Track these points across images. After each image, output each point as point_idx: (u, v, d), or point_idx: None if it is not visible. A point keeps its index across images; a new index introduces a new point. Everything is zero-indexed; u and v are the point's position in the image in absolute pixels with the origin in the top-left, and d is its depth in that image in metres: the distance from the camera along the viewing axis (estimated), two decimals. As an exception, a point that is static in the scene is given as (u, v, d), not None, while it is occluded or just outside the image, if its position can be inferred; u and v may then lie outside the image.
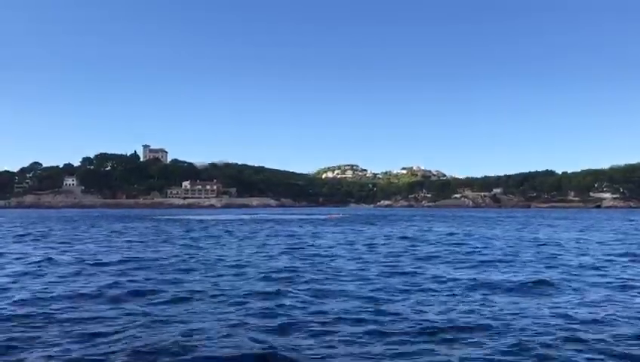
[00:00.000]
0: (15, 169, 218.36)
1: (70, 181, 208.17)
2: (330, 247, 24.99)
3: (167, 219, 68.70)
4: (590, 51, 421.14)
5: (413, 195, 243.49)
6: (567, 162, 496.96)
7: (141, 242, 28.49)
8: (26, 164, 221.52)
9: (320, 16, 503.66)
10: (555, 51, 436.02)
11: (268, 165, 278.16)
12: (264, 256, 20.62)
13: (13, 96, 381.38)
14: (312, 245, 26.29)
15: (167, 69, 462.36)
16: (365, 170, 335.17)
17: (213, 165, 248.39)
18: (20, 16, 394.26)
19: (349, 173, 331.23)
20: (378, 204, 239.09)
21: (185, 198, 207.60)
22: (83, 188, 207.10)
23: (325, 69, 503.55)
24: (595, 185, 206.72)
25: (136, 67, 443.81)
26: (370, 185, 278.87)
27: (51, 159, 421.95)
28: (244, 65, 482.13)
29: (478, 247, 24.94)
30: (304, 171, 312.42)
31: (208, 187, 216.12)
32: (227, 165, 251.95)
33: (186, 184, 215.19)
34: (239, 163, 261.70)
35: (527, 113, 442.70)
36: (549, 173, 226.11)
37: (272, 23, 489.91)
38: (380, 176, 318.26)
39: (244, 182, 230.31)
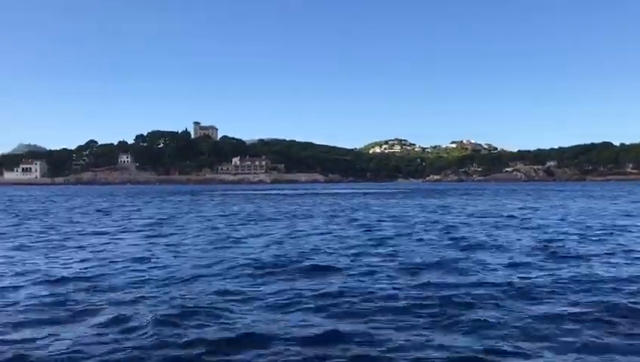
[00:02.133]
0: (72, 147, 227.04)
1: (125, 158, 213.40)
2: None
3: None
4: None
5: (463, 169, 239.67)
6: (626, 134, 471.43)
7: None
8: (82, 142, 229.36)
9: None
10: (614, 17, 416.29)
11: (315, 141, 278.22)
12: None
13: (68, 79, 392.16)
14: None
15: (216, 47, 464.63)
16: (414, 144, 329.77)
17: (261, 141, 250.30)
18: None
19: (396, 148, 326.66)
20: (427, 178, 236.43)
21: (235, 174, 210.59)
22: (137, 164, 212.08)
23: (374, 43, 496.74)
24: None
25: (185, 46, 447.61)
26: (419, 160, 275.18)
27: (106, 137, 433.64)
28: (291, 42, 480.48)
29: None
30: (351, 146, 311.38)
31: (257, 163, 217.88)
32: (275, 141, 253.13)
33: (235, 160, 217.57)
34: (287, 139, 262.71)
35: (582, 83, 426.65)
36: (606, 146, 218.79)
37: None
38: (429, 151, 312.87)
39: (292, 157, 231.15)
